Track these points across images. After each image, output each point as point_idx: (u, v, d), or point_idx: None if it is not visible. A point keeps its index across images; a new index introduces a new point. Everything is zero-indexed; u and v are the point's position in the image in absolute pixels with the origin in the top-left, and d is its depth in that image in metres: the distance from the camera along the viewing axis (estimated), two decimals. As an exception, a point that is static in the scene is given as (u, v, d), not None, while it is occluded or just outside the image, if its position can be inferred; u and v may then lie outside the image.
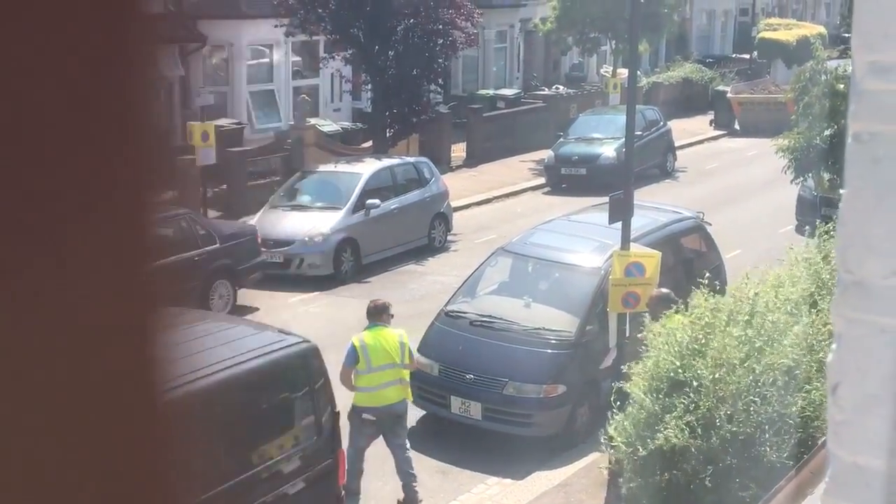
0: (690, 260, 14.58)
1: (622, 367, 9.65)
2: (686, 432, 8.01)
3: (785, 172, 17.37)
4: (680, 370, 8.24)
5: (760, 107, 36.03)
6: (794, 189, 20.81)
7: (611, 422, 8.86)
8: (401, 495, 10.89)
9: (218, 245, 16.85)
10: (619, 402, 8.89)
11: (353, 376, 10.71)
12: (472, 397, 12.07)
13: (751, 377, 8.19)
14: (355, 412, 10.75)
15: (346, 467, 10.02)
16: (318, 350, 9.12)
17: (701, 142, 35.25)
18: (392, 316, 11.23)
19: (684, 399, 8.14)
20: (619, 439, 8.53)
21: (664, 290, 10.64)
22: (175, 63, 26.91)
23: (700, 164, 30.99)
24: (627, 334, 11.33)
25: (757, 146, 31.38)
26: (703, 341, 8.42)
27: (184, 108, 27.26)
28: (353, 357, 10.70)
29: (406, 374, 10.96)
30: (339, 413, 9.32)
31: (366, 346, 10.69)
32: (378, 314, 11.02)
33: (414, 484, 10.89)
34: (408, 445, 11.00)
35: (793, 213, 21.27)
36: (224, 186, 23.77)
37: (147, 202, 0.84)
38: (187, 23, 27.46)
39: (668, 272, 12.81)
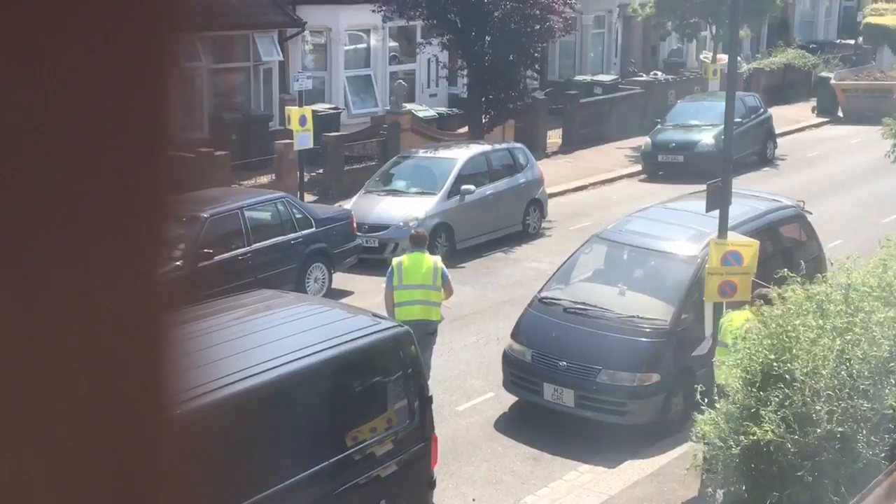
0: (790, 249, 14.31)
1: (714, 358, 9.54)
2: (783, 427, 7.89)
3: (888, 156, 16.90)
4: (774, 364, 8.11)
5: (865, 94, 35.21)
6: (899, 178, 20.33)
7: (701, 416, 8.75)
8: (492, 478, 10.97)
9: (314, 229, 17.02)
10: (707, 397, 8.79)
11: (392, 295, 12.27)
12: (566, 384, 12.02)
13: (844, 371, 8.02)
14: None
15: None
16: (411, 335, 9.17)
17: (802, 129, 34.56)
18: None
19: (779, 393, 8.01)
20: (711, 434, 8.43)
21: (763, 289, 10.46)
22: (274, 48, 27.22)
23: (801, 152, 30.40)
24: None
25: (861, 134, 30.68)
26: (795, 334, 8.27)
27: (282, 92, 27.57)
28: (390, 276, 12.41)
29: (437, 296, 12.39)
30: (431, 398, 9.35)
31: (401, 266, 12.36)
32: (419, 242, 12.80)
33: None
34: (430, 364, 12.14)
35: (897, 203, 20.77)
36: (321, 171, 24.00)
37: (153, 203, 0.83)
38: (286, 8, 27.75)
39: (767, 262, 12.60)
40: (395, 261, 12.59)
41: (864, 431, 7.87)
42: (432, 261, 12.57)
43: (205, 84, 26.10)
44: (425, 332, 12.01)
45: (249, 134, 25.87)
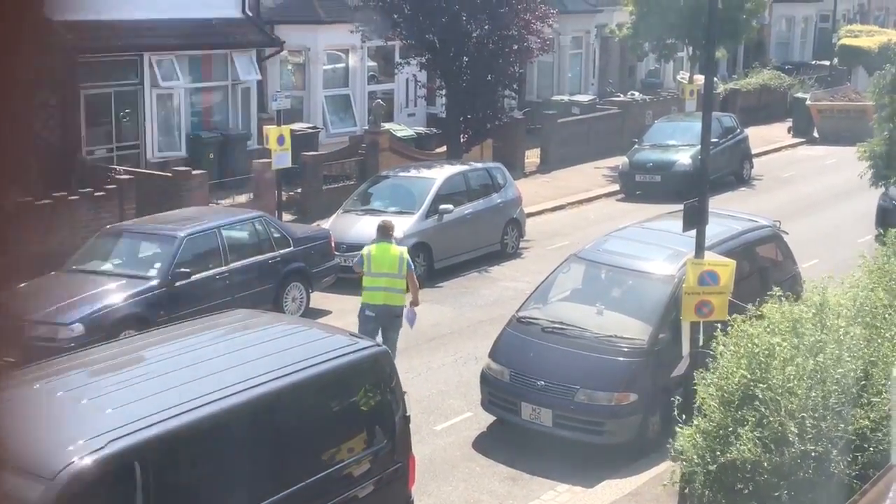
0: (766, 269, 14.38)
1: (693, 376, 9.55)
2: (759, 447, 7.91)
3: (861, 177, 16.98)
4: (751, 383, 8.14)
5: (840, 114, 35.47)
6: (874, 198, 20.46)
7: (680, 433, 8.77)
8: (471, 498, 10.97)
9: (292, 248, 17.00)
10: (685, 414, 8.80)
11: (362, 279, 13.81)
12: (543, 404, 12.01)
13: (818, 391, 8.05)
14: (361, 308, 13.84)
15: None
16: (388, 354, 9.15)
17: (779, 149, 34.79)
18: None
19: (755, 413, 8.03)
20: (689, 451, 8.44)
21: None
22: (252, 67, 27.22)
23: (777, 172, 30.58)
24: (700, 344, 11.21)
25: (836, 154, 30.90)
26: (770, 353, 8.30)
27: (260, 111, 27.57)
28: (360, 262, 14.00)
29: (402, 283, 13.74)
30: (409, 417, 9.33)
31: (370, 255, 13.80)
32: (385, 233, 13.99)
33: None
34: (397, 343, 13.75)
35: (873, 223, 20.90)
36: (299, 190, 23.99)
37: None
38: (265, 27, 27.77)
39: (743, 281, 12.64)
40: (364, 250, 14.08)
41: (836, 451, 7.90)
42: (398, 251, 13.94)
43: (182, 103, 26.08)
44: (391, 316, 13.73)
45: (227, 153, 25.84)
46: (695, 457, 8.39)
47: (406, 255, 13.94)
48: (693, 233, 11.61)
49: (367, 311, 13.77)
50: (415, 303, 14.10)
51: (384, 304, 13.69)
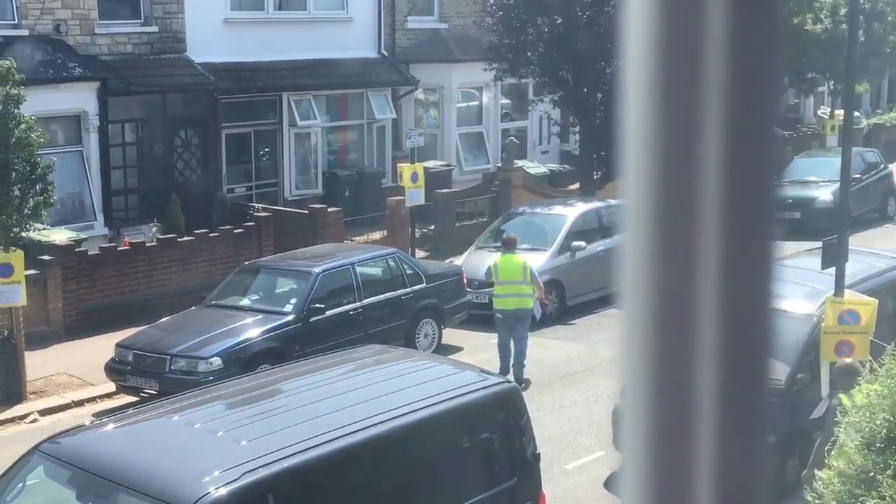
0: (911, 308, 13.89)
1: (834, 417, 9.26)
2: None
3: None
4: (894, 426, 7.84)
5: None
6: None
7: (818, 476, 8.50)
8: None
9: (425, 284, 17.12)
10: (824, 456, 8.53)
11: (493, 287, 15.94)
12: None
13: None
14: (494, 312, 15.94)
15: (499, 351, 15.80)
16: (519, 391, 9.13)
17: (925, 185, 33.61)
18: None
19: (897, 457, 7.73)
20: (828, 496, 8.17)
21: (848, 360, 10.17)
22: (387, 106, 27.62)
23: (924, 208, 29.55)
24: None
25: None
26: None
27: (395, 149, 27.93)
28: (488, 274, 16.14)
29: (528, 289, 15.74)
30: (539, 455, 9.27)
31: (497, 266, 15.87)
32: (509, 246, 16.09)
33: (521, 370, 15.46)
34: (526, 341, 15.69)
35: None
36: (432, 227, 24.17)
37: None
38: (400, 67, 28.17)
39: (887, 321, 12.24)
40: (491, 262, 16.25)
41: None
42: (521, 260, 15.94)
43: (319, 142, 26.61)
44: (519, 318, 15.69)
45: (362, 190, 26.22)
46: (833, 502, 8.12)
47: (528, 264, 15.93)
48: (832, 270, 11.31)
49: (498, 315, 15.85)
50: (542, 299, 16.29)
51: (513, 308, 15.70)
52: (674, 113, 0.87)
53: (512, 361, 15.62)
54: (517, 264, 15.75)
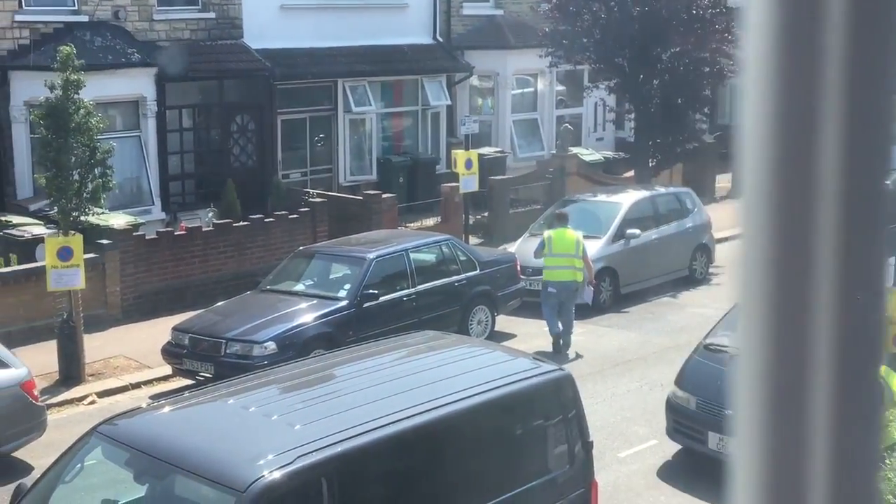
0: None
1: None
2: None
3: None
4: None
5: None
6: None
7: (885, 474, 8.39)
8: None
9: (478, 271, 17.12)
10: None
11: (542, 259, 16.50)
12: (731, 434, 11.72)
13: None
14: (543, 285, 16.48)
15: (546, 319, 16.40)
16: (572, 379, 9.10)
17: None
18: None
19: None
20: (885, 490, 8.07)
21: None
22: (442, 92, 27.62)
23: None
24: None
25: None
26: None
27: (449, 136, 27.93)
28: (540, 245, 16.63)
29: (579, 262, 16.31)
30: (592, 443, 9.24)
31: (551, 238, 16.39)
32: (563, 220, 16.80)
33: (569, 336, 16.32)
34: (573, 313, 16.37)
35: None
36: (486, 213, 24.16)
37: None
38: (455, 53, 28.15)
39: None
40: (545, 233, 16.80)
41: None
42: (575, 234, 16.46)
43: (374, 128, 26.67)
44: (569, 291, 16.24)
45: (416, 176, 26.26)
46: (889, 496, 8.02)
47: (581, 239, 16.50)
48: (893, 261, 11.16)
49: (550, 288, 16.28)
50: (590, 281, 16.67)
51: (568, 279, 16.21)
52: (792, 112, 0.86)
53: (560, 329, 16.31)
54: (571, 238, 16.35)
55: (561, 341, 16.31)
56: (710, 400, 11.99)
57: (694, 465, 12.14)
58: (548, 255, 16.39)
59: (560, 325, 16.32)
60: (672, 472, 12.12)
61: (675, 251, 20.45)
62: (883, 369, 9.87)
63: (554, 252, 16.32)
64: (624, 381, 15.05)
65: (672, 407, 12.43)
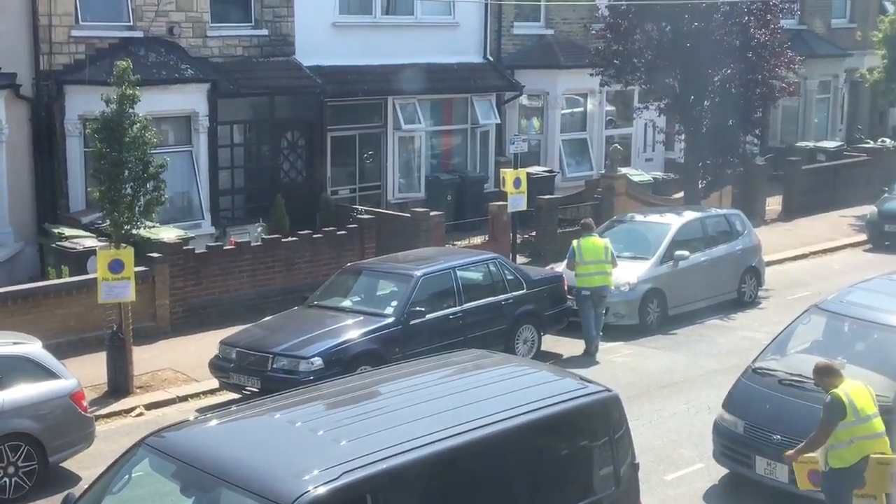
0: None
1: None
2: None
3: None
4: None
5: None
6: None
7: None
8: None
9: (525, 290, 17.09)
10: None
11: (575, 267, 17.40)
12: (779, 459, 11.58)
13: None
14: (577, 290, 17.38)
15: (585, 325, 17.20)
16: (618, 400, 9.04)
17: None
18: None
19: None
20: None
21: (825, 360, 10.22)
22: (492, 111, 27.65)
23: None
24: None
25: None
26: None
27: (498, 154, 27.95)
28: (571, 255, 17.60)
29: (609, 267, 17.39)
30: (638, 465, 9.18)
31: (581, 247, 17.41)
32: (589, 229, 17.73)
33: (597, 339, 17.29)
34: (603, 316, 17.63)
35: None
36: (534, 233, 24.13)
37: None
38: (505, 72, 28.18)
39: None
40: (574, 243, 17.63)
41: None
42: (602, 242, 17.57)
43: (423, 145, 26.75)
44: (602, 296, 17.40)
45: (464, 195, 26.30)
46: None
47: (609, 244, 17.60)
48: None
49: (584, 291, 17.29)
50: None
51: (600, 285, 17.27)
52: None
53: (595, 335, 17.28)
54: (599, 245, 17.43)
55: (593, 346, 17.28)
56: (758, 424, 11.87)
57: (741, 489, 12.03)
58: (580, 264, 17.30)
59: (594, 327, 17.28)
60: (718, 497, 12.01)
61: (724, 273, 20.31)
62: (850, 388, 9.78)
63: (585, 260, 17.29)
64: (671, 404, 14.95)
65: (719, 430, 12.31)
